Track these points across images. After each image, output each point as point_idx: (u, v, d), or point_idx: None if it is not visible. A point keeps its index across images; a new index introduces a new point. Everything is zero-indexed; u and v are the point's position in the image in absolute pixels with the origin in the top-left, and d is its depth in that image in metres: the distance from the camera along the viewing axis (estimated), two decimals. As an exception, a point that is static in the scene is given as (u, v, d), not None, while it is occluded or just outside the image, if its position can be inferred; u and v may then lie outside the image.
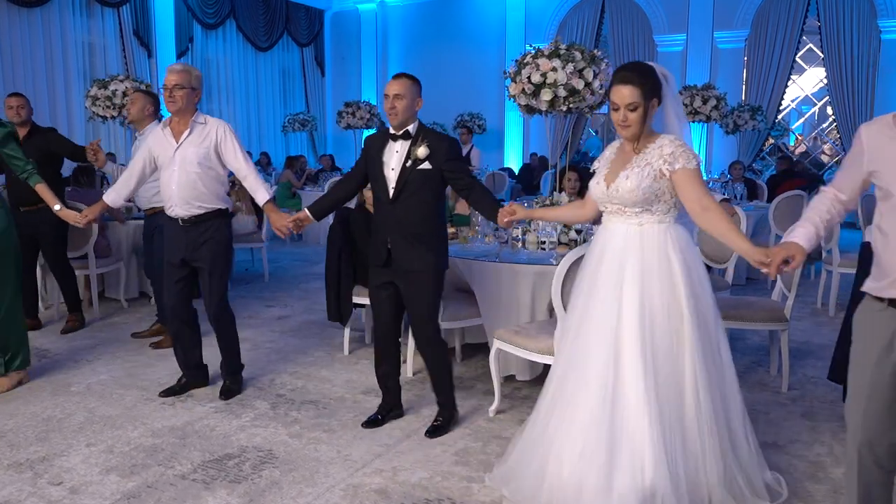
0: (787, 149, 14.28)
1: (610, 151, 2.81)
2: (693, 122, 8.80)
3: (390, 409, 3.62)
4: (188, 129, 3.72)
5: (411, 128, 3.29)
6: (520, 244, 4.36)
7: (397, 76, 3.31)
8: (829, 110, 12.60)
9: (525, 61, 4.33)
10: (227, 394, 3.95)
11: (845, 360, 2.26)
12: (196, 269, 3.87)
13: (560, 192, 4.76)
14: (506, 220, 3.15)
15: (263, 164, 12.99)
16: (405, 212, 3.28)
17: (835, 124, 12.37)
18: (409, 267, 3.30)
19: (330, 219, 4.35)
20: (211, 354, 4.21)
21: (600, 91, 4.33)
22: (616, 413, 2.51)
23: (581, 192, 5.58)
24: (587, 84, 4.25)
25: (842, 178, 2.21)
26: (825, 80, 12.15)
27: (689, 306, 2.54)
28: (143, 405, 3.84)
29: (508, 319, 3.88)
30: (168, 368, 4.21)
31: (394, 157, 3.30)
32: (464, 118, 13.61)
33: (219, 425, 3.58)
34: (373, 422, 3.56)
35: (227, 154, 3.77)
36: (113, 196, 3.93)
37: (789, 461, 3.15)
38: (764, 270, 2.27)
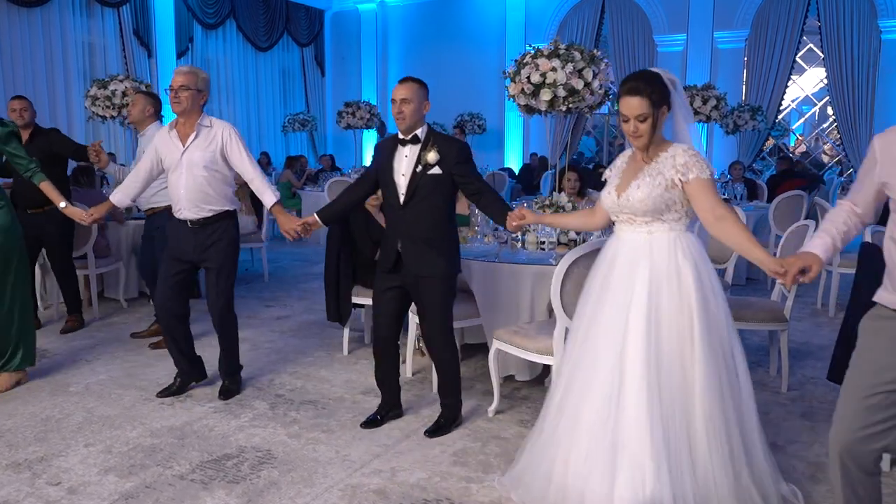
0: (788, 149, 14.27)
1: (621, 160, 2.80)
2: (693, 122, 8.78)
3: (389, 408, 3.62)
4: (194, 133, 3.71)
5: (420, 132, 3.29)
6: (519, 244, 4.35)
7: (404, 80, 3.29)
8: (830, 110, 12.60)
9: (524, 61, 4.33)
10: (226, 394, 3.94)
11: (845, 360, 2.25)
12: (197, 269, 3.87)
13: (559, 192, 4.75)
14: (515, 224, 3.13)
15: (263, 165, 12.98)
16: (416, 217, 3.27)
17: (835, 124, 12.35)
18: (421, 272, 3.30)
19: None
20: (210, 355, 4.21)
21: (600, 91, 4.33)
22: (618, 420, 2.50)
23: (581, 192, 5.59)
24: (587, 84, 4.24)
25: (856, 190, 2.20)
26: (825, 81, 12.14)
27: (699, 314, 2.52)
28: (142, 405, 3.84)
29: (508, 319, 3.87)
30: (167, 368, 4.20)
31: (403, 163, 3.29)
32: (464, 118, 13.61)
33: (217, 425, 3.58)
34: (372, 422, 3.56)
35: (232, 157, 3.77)
36: (119, 196, 3.93)
37: (788, 461, 3.15)
38: (780, 281, 2.24)
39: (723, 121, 10.00)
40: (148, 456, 3.23)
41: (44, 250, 5.30)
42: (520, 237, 4.34)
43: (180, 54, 12.67)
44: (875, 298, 2.11)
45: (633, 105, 2.54)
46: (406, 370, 4.25)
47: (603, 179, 2.85)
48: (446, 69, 13.94)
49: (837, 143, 12.79)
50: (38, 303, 5.78)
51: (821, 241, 2.18)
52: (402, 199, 3.28)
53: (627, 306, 2.56)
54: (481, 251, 4.22)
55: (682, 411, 2.48)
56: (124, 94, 6.65)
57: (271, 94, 15.09)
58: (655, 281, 2.55)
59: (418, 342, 4.35)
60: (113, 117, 6.87)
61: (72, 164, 5.72)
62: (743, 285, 6.72)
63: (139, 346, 4.89)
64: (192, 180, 3.71)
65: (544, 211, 4.48)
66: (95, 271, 5.63)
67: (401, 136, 3.31)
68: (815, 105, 14.02)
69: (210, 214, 3.77)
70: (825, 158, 14.30)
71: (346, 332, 4.72)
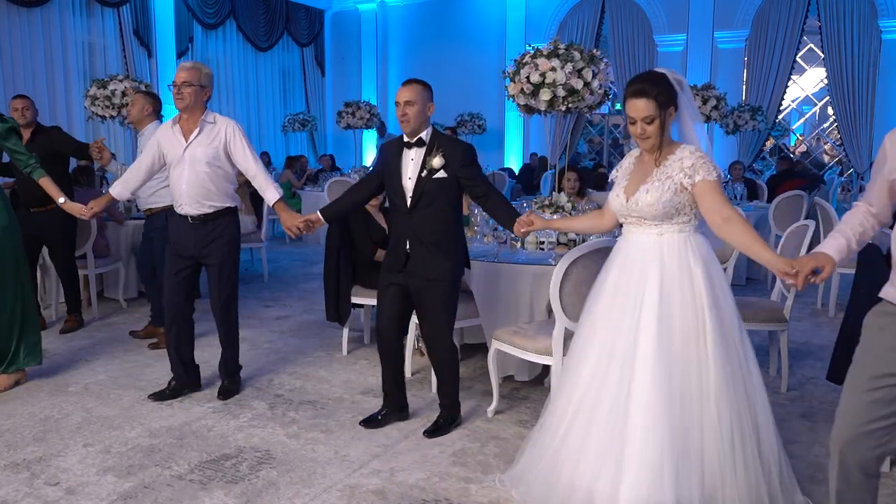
0: (788, 149, 14.27)
1: (628, 161, 2.78)
2: (693, 122, 8.77)
3: (395, 410, 3.57)
4: (198, 128, 3.71)
5: (424, 135, 3.27)
6: (518, 244, 4.35)
7: (407, 82, 3.27)
8: (830, 110, 12.59)
9: (524, 61, 4.32)
10: (225, 394, 3.94)
11: (845, 360, 2.24)
12: (200, 266, 3.86)
13: (559, 192, 4.75)
14: (523, 230, 3.12)
15: (264, 165, 12.97)
16: (423, 221, 3.26)
17: (835, 124, 12.34)
18: (427, 275, 3.28)
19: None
20: (210, 355, 4.21)
21: (599, 91, 4.32)
22: (628, 421, 2.48)
23: (580, 192, 5.59)
24: (586, 84, 4.24)
25: (870, 189, 2.18)
26: (826, 81, 12.13)
27: (710, 316, 2.50)
28: (141, 405, 3.83)
29: (507, 320, 3.87)
30: (166, 368, 4.18)
31: (409, 166, 3.28)
32: (464, 118, 13.60)
33: (216, 425, 3.57)
34: (372, 421, 3.54)
35: (236, 153, 3.76)
36: (119, 189, 3.92)
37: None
38: (789, 282, 2.21)
39: (723, 121, 9.98)
40: (146, 456, 3.23)
41: (45, 249, 5.30)
42: (519, 237, 4.33)
43: (180, 54, 12.66)
44: (881, 294, 2.08)
45: (640, 107, 2.53)
46: (406, 370, 4.24)
47: (610, 181, 2.84)
48: (446, 69, 13.93)
49: (838, 143, 12.78)
50: (38, 302, 5.79)
51: (835, 242, 2.15)
52: (408, 203, 3.27)
53: (639, 308, 2.55)
54: (481, 251, 4.21)
55: (693, 414, 2.46)
56: (124, 94, 6.66)
57: (271, 94, 15.09)
58: (667, 282, 2.54)
59: (417, 342, 4.35)
60: (112, 117, 6.87)
61: (72, 164, 5.72)
62: (743, 285, 6.72)
63: (138, 346, 4.89)
64: (195, 176, 3.71)
65: (544, 211, 4.48)
66: (95, 271, 5.63)
67: (406, 138, 3.30)
68: (816, 105, 14.02)
69: (211, 211, 3.77)
70: (825, 158, 14.30)
71: (346, 332, 4.71)
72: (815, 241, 3.54)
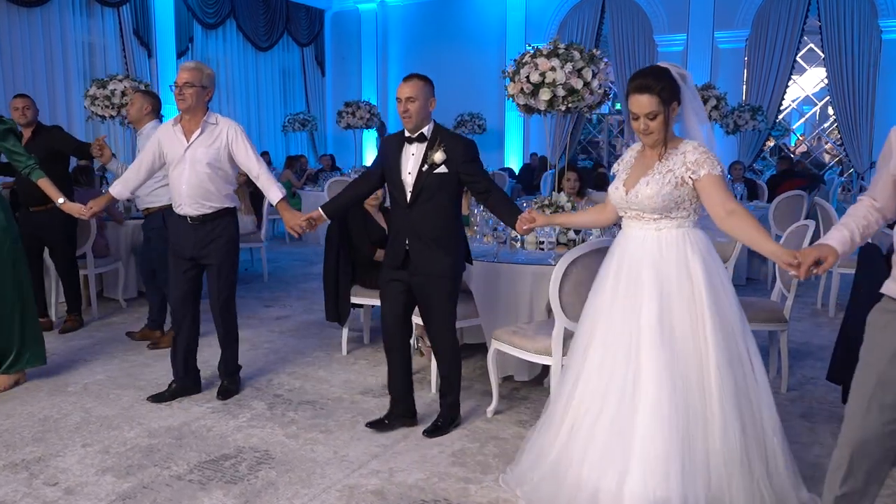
0: (788, 149, 14.27)
1: (630, 155, 2.77)
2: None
3: (403, 415, 3.52)
4: (199, 129, 3.70)
5: (426, 130, 3.26)
6: (518, 244, 4.34)
7: (408, 78, 3.24)
8: (830, 110, 12.58)
9: (524, 61, 4.32)
10: (224, 394, 3.93)
11: (845, 360, 2.23)
12: (203, 266, 3.86)
13: (559, 192, 4.74)
14: (525, 228, 3.10)
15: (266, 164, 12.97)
16: (422, 216, 3.25)
17: (836, 124, 12.34)
18: (428, 271, 3.28)
19: (329, 218, 4.34)
20: (210, 355, 4.21)
21: (599, 91, 4.31)
22: (633, 419, 2.48)
23: (580, 191, 5.59)
24: (586, 84, 4.23)
25: (874, 184, 2.17)
26: (826, 80, 12.13)
27: (710, 311, 2.50)
28: (140, 405, 3.83)
29: (507, 320, 3.86)
30: (165, 369, 4.18)
31: (410, 161, 3.27)
32: (464, 118, 13.60)
33: (216, 426, 3.57)
34: (377, 423, 3.49)
35: (238, 154, 3.76)
36: (119, 188, 3.91)
37: (788, 462, 3.13)
38: (792, 273, 2.20)
39: (723, 121, 9.98)
40: (145, 456, 3.22)
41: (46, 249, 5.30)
42: (519, 237, 4.33)
43: (180, 54, 12.66)
44: (883, 290, 2.07)
45: (643, 103, 2.52)
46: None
47: (612, 174, 2.84)
48: (446, 69, 13.90)
49: (838, 142, 12.78)
50: (46, 301, 5.78)
51: (838, 234, 2.14)
52: (408, 197, 3.26)
53: (639, 304, 2.55)
54: (480, 251, 4.21)
55: (696, 412, 2.46)
56: (123, 94, 6.65)
57: (271, 93, 15.08)
58: (666, 278, 2.53)
59: (417, 342, 4.34)
60: (112, 117, 6.87)
61: (72, 164, 5.72)
62: (743, 285, 6.71)
63: (138, 346, 4.89)
64: (195, 177, 3.70)
65: (544, 211, 4.47)
66: (94, 271, 5.62)
67: (407, 133, 3.29)
68: (816, 105, 14.01)
69: (210, 211, 3.76)
70: (826, 158, 14.29)
71: (345, 332, 4.71)
72: (815, 241, 3.53)
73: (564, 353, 3.25)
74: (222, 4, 13.53)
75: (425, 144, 3.24)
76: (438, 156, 3.19)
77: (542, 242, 4.30)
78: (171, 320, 3.99)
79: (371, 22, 15.51)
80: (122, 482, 2.98)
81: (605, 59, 4.44)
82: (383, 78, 15.45)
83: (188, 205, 3.74)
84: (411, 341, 4.22)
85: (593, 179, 8.38)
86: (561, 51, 4.24)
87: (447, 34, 14.55)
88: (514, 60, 4.40)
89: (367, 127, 11.48)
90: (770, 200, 7.59)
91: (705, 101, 8.58)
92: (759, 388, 2.55)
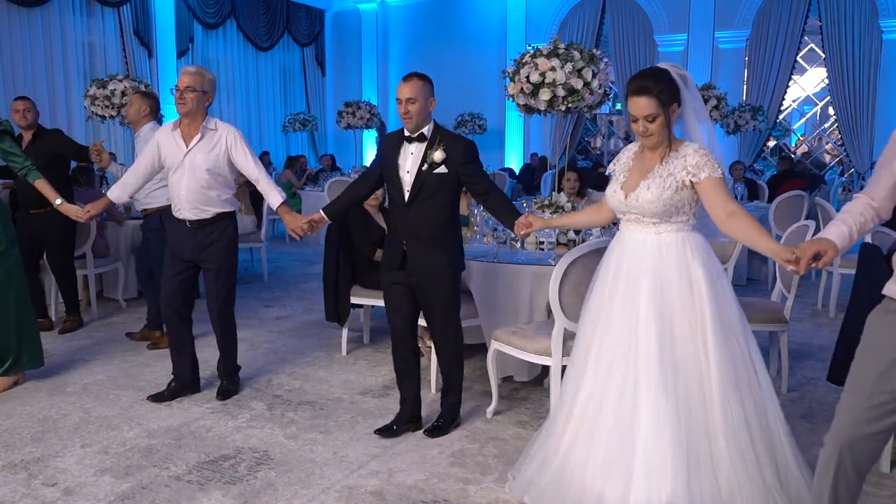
0: (789, 149, 14.26)
1: (626, 156, 2.74)
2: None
3: (409, 420, 3.50)
4: (199, 135, 3.69)
5: (426, 130, 3.25)
6: (518, 244, 4.34)
7: (408, 78, 3.22)
8: (831, 110, 12.58)
9: (524, 61, 4.31)
10: (223, 394, 3.93)
11: (845, 361, 2.22)
12: (199, 269, 3.86)
13: (559, 192, 4.74)
14: (523, 232, 3.10)
15: (265, 164, 12.97)
16: (420, 215, 3.24)
17: (836, 124, 12.33)
18: (425, 270, 3.27)
19: (328, 218, 4.33)
20: (209, 355, 4.20)
21: (599, 91, 4.31)
22: (635, 426, 2.47)
23: (580, 191, 5.58)
24: (586, 84, 4.23)
25: (873, 182, 2.16)
26: (826, 81, 12.12)
27: (712, 315, 2.49)
28: (140, 406, 3.82)
29: (506, 320, 3.86)
30: (165, 369, 4.18)
31: (409, 160, 3.25)
32: (464, 118, 13.60)
33: (215, 426, 3.56)
34: (386, 430, 3.45)
35: (238, 160, 3.76)
36: (117, 192, 3.90)
37: (788, 463, 3.12)
38: (791, 268, 2.19)
39: (723, 121, 9.98)
40: (145, 457, 3.22)
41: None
42: (519, 237, 4.32)
43: (181, 54, 12.67)
44: (885, 291, 2.05)
45: (641, 105, 2.50)
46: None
47: (607, 174, 2.82)
48: (447, 69, 13.91)
49: (839, 143, 12.77)
50: (46, 302, 5.77)
51: (836, 230, 2.13)
52: (406, 196, 3.25)
53: (638, 308, 2.53)
54: (480, 251, 4.20)
55: (700, 416, 2.44)
56: (123, 94, 6.65)
57: (272, 93, 15.08)
58: (666, 282, 2.52)
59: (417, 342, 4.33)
60: (112, 117, 6.87)
61: (72, 165, 5.72)
62: (743, 286, 6.70)
63: (137, 346, 4.88)
64: (194, 182, 3.70)
65: (543, 211, 4.47)
66: (94, 271, 5.62)
67: (407, 133, 3.28)
68: (817, 105, 14.01)
69: (209, 216, 3.76)
70: (826, 158, 14.29)
71: (345, 332, 4.70)
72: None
73: (564, 354, 3.24)
74: (223, 4, 13.53)
75: (425, 144, 3.23)
76: (438, 155, 3.19)
77: (542, 243, 4.29)
78: (164, 320, 3.97)
79: (371, 22, 15.51)
80: (121, 482, 2.98)
81: (606, 59, 4.44)
82: (384, 78, 15.45)
83: (187, 210, 3.74)
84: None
85: (593, 179, 8.37)
86: (561, 51, 4.24)
87: (447, 34, 14.55)
88: (515, 60, 4.39)
89: (368, 127, 11.48)
90: (770, 200, 7.59)
91: (706, 101, 8.58)
92: (764, 392, 2.53)
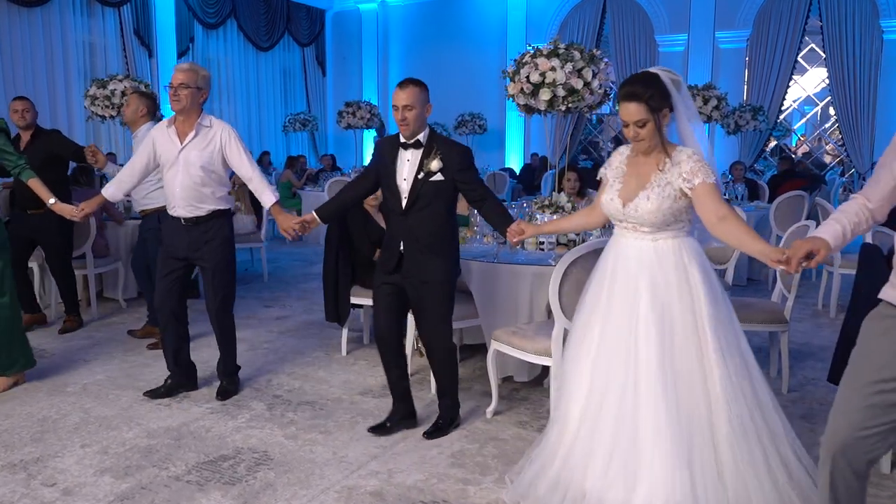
0: (789, 149, 14.25)
1: (618, 161, 2.72)
2: (694, 122, 8.75)
3: (402, 417, 3.52)
4: (193, 132, 3.69)
5: (422, 136, 3.24)
6: (518, 244, 4.33)
7: (404, 85, 3.21)
8: (832, 110, 12.57)
9: (524, 61, 4.31)
10: (223, 394, 3.93)
11: (845, 361, 2.21)
12: (192, 267, 3.86)
13: (559, 192, 4.73)
14: (515, 240, 3.11)
15: (265, 164, 12.99)
16: (418, 223, 3.24)
17: (837, 125, 12.33)
18: (423, 277, 3.27)
19: (328, 218, 4.33)
20: (209, 355, 4.20)
21: (599, 91, 4.30)
22: (637, 430, 2.46)
23: (581, 192, 5.57)
24: (586, 84, 4.22)
25: (872, 184, 2.15)
26: (827, 81, 12.12)
27: (711, 319, 2.50)
28: (139, 406, 3.82)
29: (506, 320, 3.85)
30: (164, 369, 4.18)
31: (405, 167, 3.25)
32: (464, 118, 13.59)
33: (214, 426, 3.56)
34: (379, 427, 3.47)
35: (232, 158, 3.75)
36: (112, 190, 3.89)
37: (788, 464, 3.12)
38: (781, 268, 2.20)
39: (724, 121, 9.97)
40: (144, 457, 3.22)
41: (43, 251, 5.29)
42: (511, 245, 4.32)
43: (181, 54, 12.67)
44: (881, 295, 2.04)
45: (631, 111, 2.51)
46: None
47: (598, 178, 2.81)
48: (447, 69, 13.93)
49: (839, 143, 12.76)
50: (38, 302, 5.78)
51: (830, 228, 2.12)
52: (404, 204, 3.24)
53: (637, 310, 2.54)
54: (480, 251, 4.20)
55: (703, 418, 2.44)
56: (123, 94, 6.64)
57: (272, 93, 15.09)
58: (665, 285, 2.53)
59: (417, 343, 4.33)
60: (112, 117, 6.87)
61: (72, 165, 5.72)
62: (744, 286, 6.70)
63: (137, 346, 4.88)
64: (188, 179, 3.69)
65: (544, 211, 4.46)
66: (94, 271, 5.62)
67: (403, 139, 3.27)
68: (817, 105, 14.00)
69: (203, 213, 3.76)
70: (827, 159, 14.28)
71: (345, 332, 4.70)
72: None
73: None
74: (223, 4, 13.53)
75: (421, 151, 3.23)
76: (435, 164, 3.18)
77: (542, 243, 4.29)
78: (159, 320, 3.98)
79: (372, 22, 15.51)
80: (121, 483, 2.98)
81: (606, 59, 4.43)
82: (384, 78, 15.45)
83: (181, 207, 3.73)
84: (412, 342, 4.23)
85: (593, 179, 8.36)
86: (561, 51, 4.23)
87: (448, 34, 14.55)
88: (515, 60, 4.39)
89: (368, 127, 11.48)
90: (771, 201, 7.58)
91: (706, 102, 8.57)
92: (766, 395, 2.55)
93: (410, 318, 3.93)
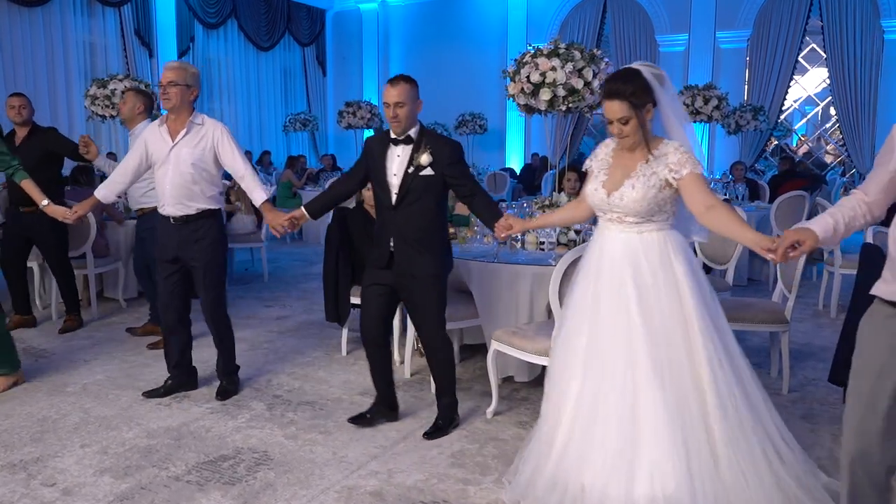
0: (790, 149, 14.24)
1: (604, 153, 2.74)
2: (695, 122, 8.77)
3: (384, 409, 3.56)
4: (185, 129, 3.68)
5: (413, 132, 3.25)
6: (518, 244, 4.33)
7: (395, 82, 3.23)
8: (832, 110, 12.56)
9: (524, 60, 4.30)
10: (223, 394, 3.92)
11: (846, 362, 2.20)
12: (189, 268, 3.85)
13: (560, 192, 4.73)
14: (503, 235, 3.12)
15: (265, 164, 12.99)
16: (407, 218, 3.25)
17: (838, 125, 12.32)
18: (413, 272, 3.27)
19: (328, 218, 4.33)
20: (209, 355, 4.19)
21: (599, 91, 4.30)
22: (634, 425, 2.47)
23: (581, 191, 5.57)
24: (586, 83, 4.22)
25: (870, 179, 2.16)
26: (828, 81, 12.11)
27: (697, 310, 2.52)
28: (139, 406, 3.82)
29: (507, 320, 3.85)
30: (164, 369, 4.18)
31: (395, 163, 3.26)
32: (465, 118, 13.59)
33: (214, 426, 3.56)
34: (359, 418, 3.52)
35: (224, 156, 3.74)
36: (104, 192, 3.87)
37: (789, 464, 3.11)
38: (769, 257, 2.22)
39: (724, 121, 9.97)
40: (144, 457, 3.21)
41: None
42: (519, 237, 4.32)
43: (181, 54, 12.67)
44: (873, 291, 2.04)
45: (614, 109, 2.53)
46: (404, 371, 4.24)
47: (584, 169, 2.82)
48: (447, 69, 13.93)
49: (840, 143, 12.76)
50: (38, 302, 5.78)
51: (821, 221, 2.13)
52: (394, 199, 3.25)
53: (628, 306, 2.55)
54: (480, 251, 4.20)
55: (696, 410, 2.47)
56: (123, 94, 6.64)
57: (272, 93, 15.10)
58: (651, 280, 2.55)
59: (417, 343, 4.33)
60: (112, 116, 6.86)
61: (71, 165, 5.72)
62: (744, 286, 6.69)
63: (137, 346, 4.88)
64: (179, 177, 3.68)
65: (544, 211, 4.46)
66: (94, 271, 5.62)
67: (393, 135, 3.28)
68: (818, 105, 13.99)
69: (193, 212, 3.74)
70: (828, 159, 14.27)
71: (345, 332, 4.70)
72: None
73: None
74: (223, 4, 13.54)
75: (411, 147, 3.24)
76: (424, 158, 3.19)
77: (543, 242, 4.29)
78: (162, 322, 3.98)
79: (372, 22, 15.51)
80: (120, 483, 2.97)
81: (606, 59, 4.43)
82: (384, 78, 15.42)
83: (171, 205, 3.73)
84: (412, 341, 4.23)
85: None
86: (561, 51, 4.23)
87: (448, 34, 14.55)
88: (515, 60, 4.39)
89: (368, 127, 11.48)
90: (772, 201, 7.58)
91: (706, 101, 8.57)
92: (745, 379, 2.58)
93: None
